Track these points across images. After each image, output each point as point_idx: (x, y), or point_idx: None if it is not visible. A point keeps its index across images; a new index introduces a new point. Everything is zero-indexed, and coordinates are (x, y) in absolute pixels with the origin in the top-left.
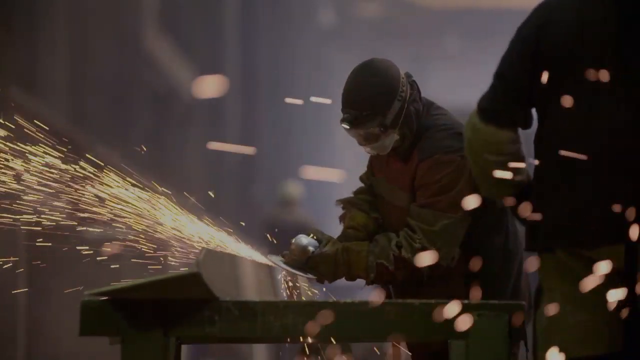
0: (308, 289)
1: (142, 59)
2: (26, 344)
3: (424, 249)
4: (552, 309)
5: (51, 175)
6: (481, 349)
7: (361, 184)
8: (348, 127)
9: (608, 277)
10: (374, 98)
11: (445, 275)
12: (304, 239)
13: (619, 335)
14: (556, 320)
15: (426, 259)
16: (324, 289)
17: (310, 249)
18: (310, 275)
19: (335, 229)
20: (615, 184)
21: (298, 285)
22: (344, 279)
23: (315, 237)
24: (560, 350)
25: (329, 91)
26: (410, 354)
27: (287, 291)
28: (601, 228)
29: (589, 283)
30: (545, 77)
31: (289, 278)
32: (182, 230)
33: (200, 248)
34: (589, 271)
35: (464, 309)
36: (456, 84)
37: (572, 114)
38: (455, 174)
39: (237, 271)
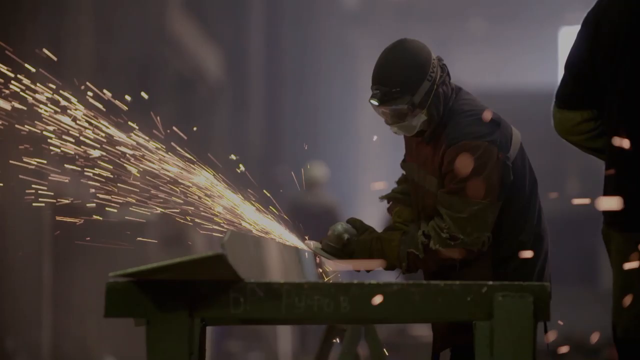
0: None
1: (167, 43)
2: (52, 325)
3: (452, 238)
4: (615, 295)
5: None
6: (506, 331)
7: (402, 171)
8: (377, 103)
9: None
10: (405, 76)
11: (474, 259)
12: (341, 226)
13: None
14: (617, 304)
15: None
16: (362, 272)
17: (346, 236)
18: (345, 264)
19: (360, 211)
20: None
21: (329, 269)
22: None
23: (353, 225)
24: (623, 331)
25: (353, 75)
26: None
27: (320, 273)
28: None
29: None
30: (604, 59)
31: (321, 261)
32: (228, 210)
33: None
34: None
35: (490, 291)
36: (481, 68)
37: (626, 97)
38: (482, 159)
39: (262, 252)
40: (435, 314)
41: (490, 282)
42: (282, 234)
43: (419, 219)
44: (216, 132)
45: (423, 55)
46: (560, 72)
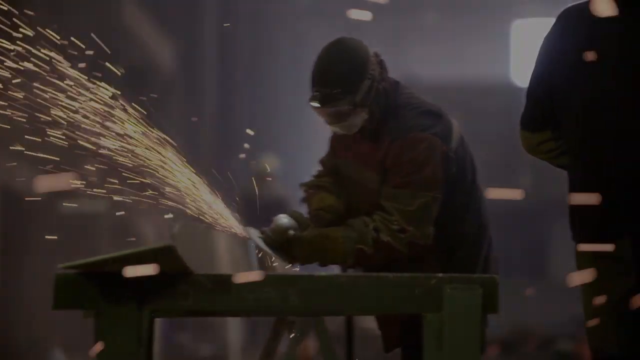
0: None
1: (120, 34)
2: (0, 318)
3: (401, 230)
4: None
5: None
6: (455, 322)
7: (320, 167)
8: (318, 105)
9: (618, 273)
10: (344, 76)
11: (420, 252)
12: (286, 220)
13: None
14: (587, 319)
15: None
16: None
17: (291, 232)
18: (282, 257)
19: None
20: (612, 182)
21: (273, 260)
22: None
23: (295, 219)
24: (590, 347)
25: (307, 66)
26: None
27: (261, 263)
28: (603, 223)
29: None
30: (559, 80)
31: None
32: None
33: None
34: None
35: (438, 283)
36: (434, 59)
37: (577, 119)
38: (427, 152)
39: (212, 244)
40: (384, 306)
41: (440, 274)
42: (224, 215)
43: (355, 215)
44: (169, 123)
45: (361, 54)
46: (513, 65)
